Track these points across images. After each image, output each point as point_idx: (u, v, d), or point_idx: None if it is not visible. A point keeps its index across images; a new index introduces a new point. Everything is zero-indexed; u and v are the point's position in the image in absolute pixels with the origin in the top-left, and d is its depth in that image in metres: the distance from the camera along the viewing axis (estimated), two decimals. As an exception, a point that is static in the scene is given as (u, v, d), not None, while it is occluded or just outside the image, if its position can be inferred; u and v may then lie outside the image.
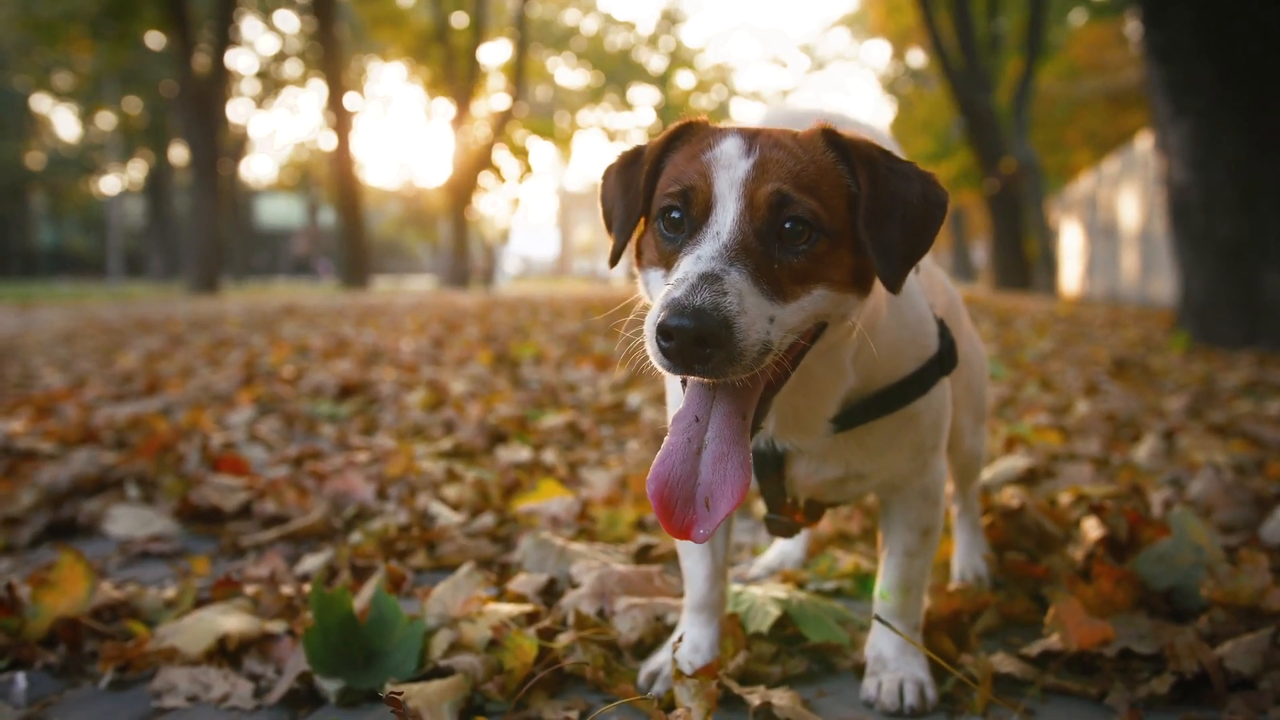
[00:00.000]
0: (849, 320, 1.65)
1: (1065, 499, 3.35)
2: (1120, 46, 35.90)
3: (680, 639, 2.08)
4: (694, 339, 1.41)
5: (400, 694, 1.61)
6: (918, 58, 47.75)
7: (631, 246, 1.76)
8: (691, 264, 1.50)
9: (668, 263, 1.59)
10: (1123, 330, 12.03)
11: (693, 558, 2.12)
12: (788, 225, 1.55)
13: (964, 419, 2.56)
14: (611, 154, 1.86)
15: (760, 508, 3.51)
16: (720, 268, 1.48)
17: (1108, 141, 34.26)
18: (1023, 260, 28.64)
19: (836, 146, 1.66)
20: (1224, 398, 5.98)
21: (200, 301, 23.50)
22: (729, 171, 1.58)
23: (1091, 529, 2.78)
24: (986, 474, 3.70)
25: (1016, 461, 3.80)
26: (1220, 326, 8.96)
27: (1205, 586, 2.29)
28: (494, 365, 8.12)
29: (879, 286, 1.74)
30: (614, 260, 1.75)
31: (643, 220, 1.73)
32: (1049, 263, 28.87)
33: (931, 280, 2.27)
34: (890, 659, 2.06)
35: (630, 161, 1.78)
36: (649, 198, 1.71)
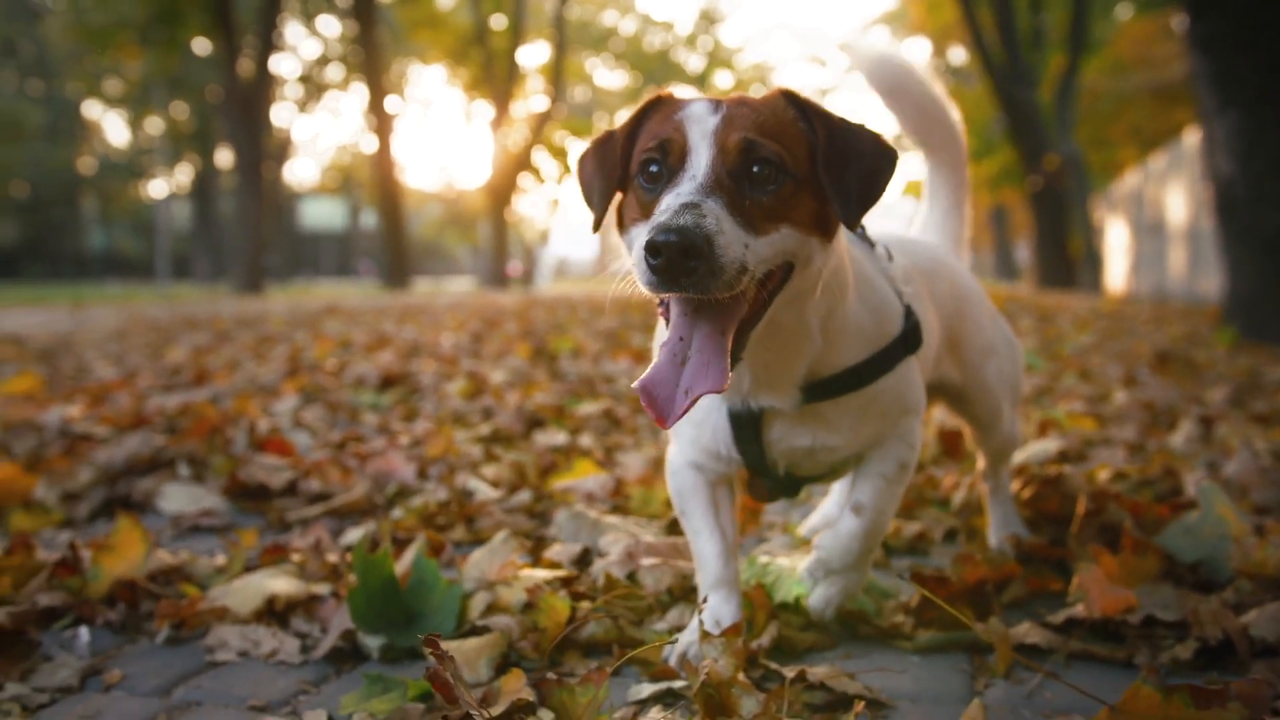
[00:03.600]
0: (814, 264, 1.77)
1: (1103, 476, 3.38)
2: (1167, 40, 35.40)
3: (701, 612, 2.13)
4: (679, 251, 1.53)
5: (439, 636, 1.68)
6: (959, 55, 47.41)
7: (613, 217, 1.88)
8: (672, 198, 1.64)
9: (648, 212, 1.71)
10: (1167, 326, 11.93)
11: (702, 538, 2.18)
12: (756, 169, 1.69)
13: (1000, 405, 2.62)
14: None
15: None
16: (699, 198, 1.62)
17: (1154, 137, 33.80)
18: (1067, 258, 28.36)
19: (796, 105, 1.81)
20: (1268, 389, 5.94)
21: (245, 301, 23.84)
22: (700, 125, 1.72)
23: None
24: (1019, 455, 3.72)
25: (1049, 444, 3.82)
26: (1268, 321, 8.85)
27: (1232, 558, 2.32)
28: (532, 358, 8.22)
29: (840, 248, 1.88)
30: (596, 225, 1.89)
31: (620, 193, 1.86)
32: (1093, 260, 28.57)
33: (935, 268, 2.41)
34: (838, 570, 2.18)
35: (604, 141, 1.92)
36: (626, 166, 1.84)
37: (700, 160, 1.69)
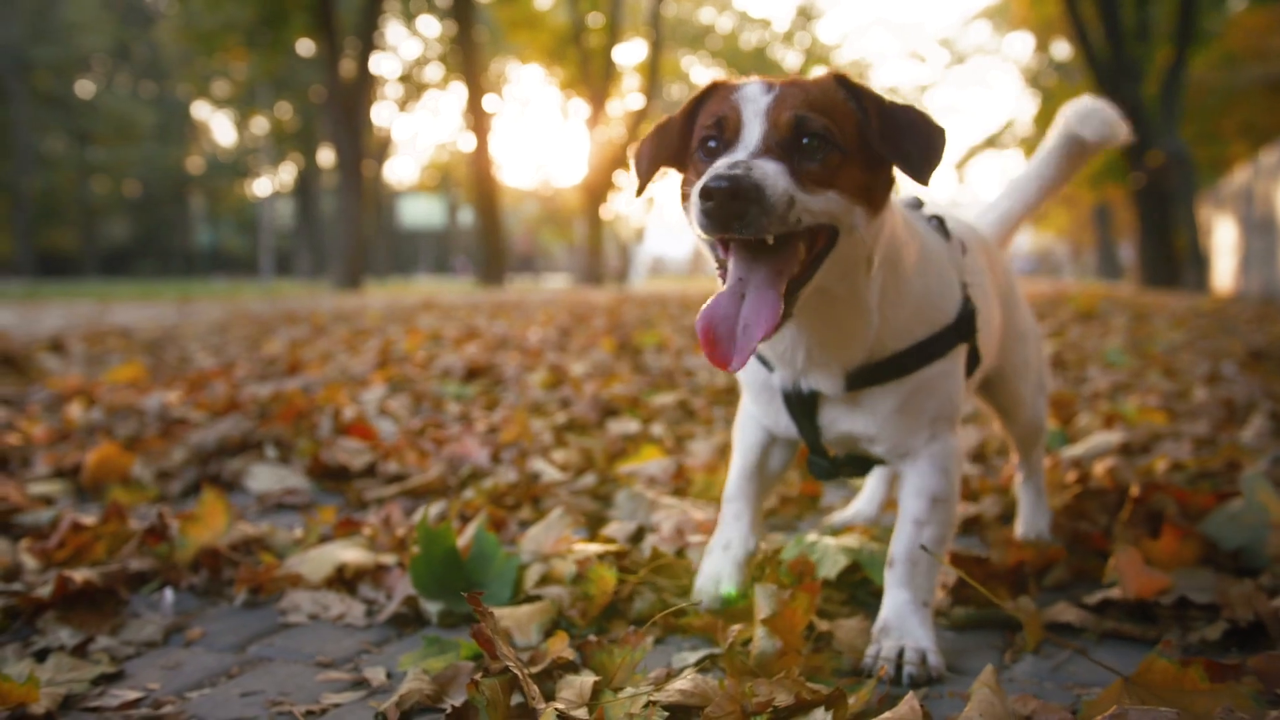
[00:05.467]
0: (858, 233, 1.84)
1: (1160, 467, 3.39)
2: (1284, 32, 34.21)
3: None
4: (730, 194, 1.66)
5: (481, 593, 1.81)
6: (1062, 49, 46.41)
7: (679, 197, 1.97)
8: (725, 159, 1.76)
9: None
10: (1271, 325, 11.58)
11: (736, 456, 2.35)
12: (805, 140, 1.80)
13: (1023, 390, 2.66)
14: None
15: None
16: (749, 158, 1.75)
17: (1267, 132, 32.69)
18: (1171, 257, 27.60)
19: (846, 86, 1.92)
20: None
21: (344, 297, 24.47)
22: (754, 104, 1.85)
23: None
24: (1079, 448, 3.74)
25: (1111, 437, 3.82)
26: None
27: (1270, 545, 2.35)
28: (617, 352, 8.36)
29: (891, 224, 1.96)
30: (639, 191, 2.04)
31: (680, 171, 1.99)
32: (1199, 259, 27.74)
33: (990, 256, 2.45)
34: (893, 627, 2.04)
35: (663, 125, 2.04)
36: (686, 146, 1.97)
37: (753, 133, 1.81)
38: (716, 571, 2.28)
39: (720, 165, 1.73)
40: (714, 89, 1.97)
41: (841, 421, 2.10)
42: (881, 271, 1.96)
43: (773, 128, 1.80)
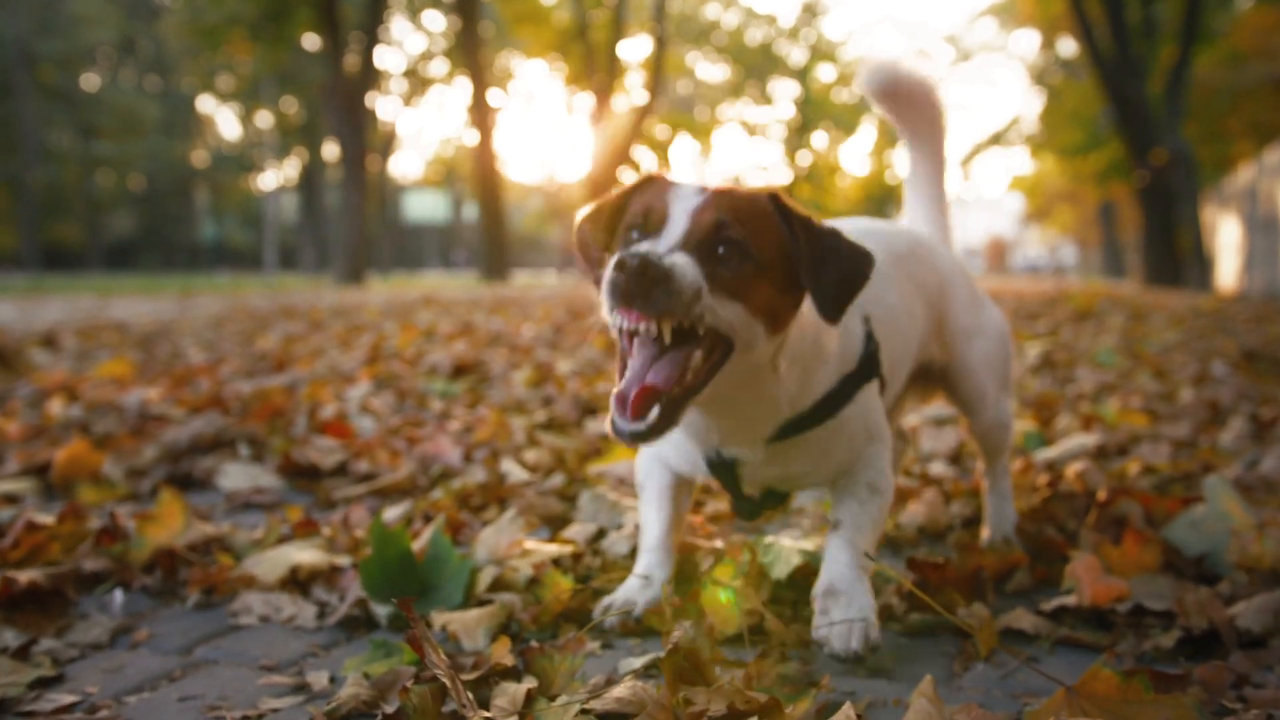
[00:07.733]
0: (755, 350, 1.88)
1: (1133, 470, 3.37)
2: (1290, 31, 34.02)
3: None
4: (639, 270, 1.67)
5: (412, 600, 1.79)
6: (1068, 46, 46.26)
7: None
8: (643, 245, 1.78)
9: None
10: (1270, 325, 11.53)
11: (651, 507, 2.35)
12: (722, 249, 1.80)
13: (985, 386, 2.66)
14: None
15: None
16: (664, 250, 1.76)
17: (1272, 131, 32.53)
18: (1174, 256, 27.51)
19: (778, 207, 1.93)
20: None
21: (345, 292, 24.48)
22: (683, 201, 1.87)
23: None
24: (1054, 450, 3.72)
25: (1086, 439, 3.79)
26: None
27: (1230, 552, 2.32)
28: (609, 349, 8.33)
29: (797, 326, 1.98)
30: (596, 282, 1.99)
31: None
32: (1202, 258, 27.64)
33: (914, 259, 2.51)
34: (842, 592, 2.08)
35: (598, 207, 2.05)
36: (614, 229, 1.98)
37: (676, 229, 1.82)
38: (631, 598, 2.28)
39: (637, 247, 1.74)
40: (649, 181, 1.98)
41: (766, 470, 2.16)
42: (795, 367, 2.00)
43: (695, 227, 1.81)
